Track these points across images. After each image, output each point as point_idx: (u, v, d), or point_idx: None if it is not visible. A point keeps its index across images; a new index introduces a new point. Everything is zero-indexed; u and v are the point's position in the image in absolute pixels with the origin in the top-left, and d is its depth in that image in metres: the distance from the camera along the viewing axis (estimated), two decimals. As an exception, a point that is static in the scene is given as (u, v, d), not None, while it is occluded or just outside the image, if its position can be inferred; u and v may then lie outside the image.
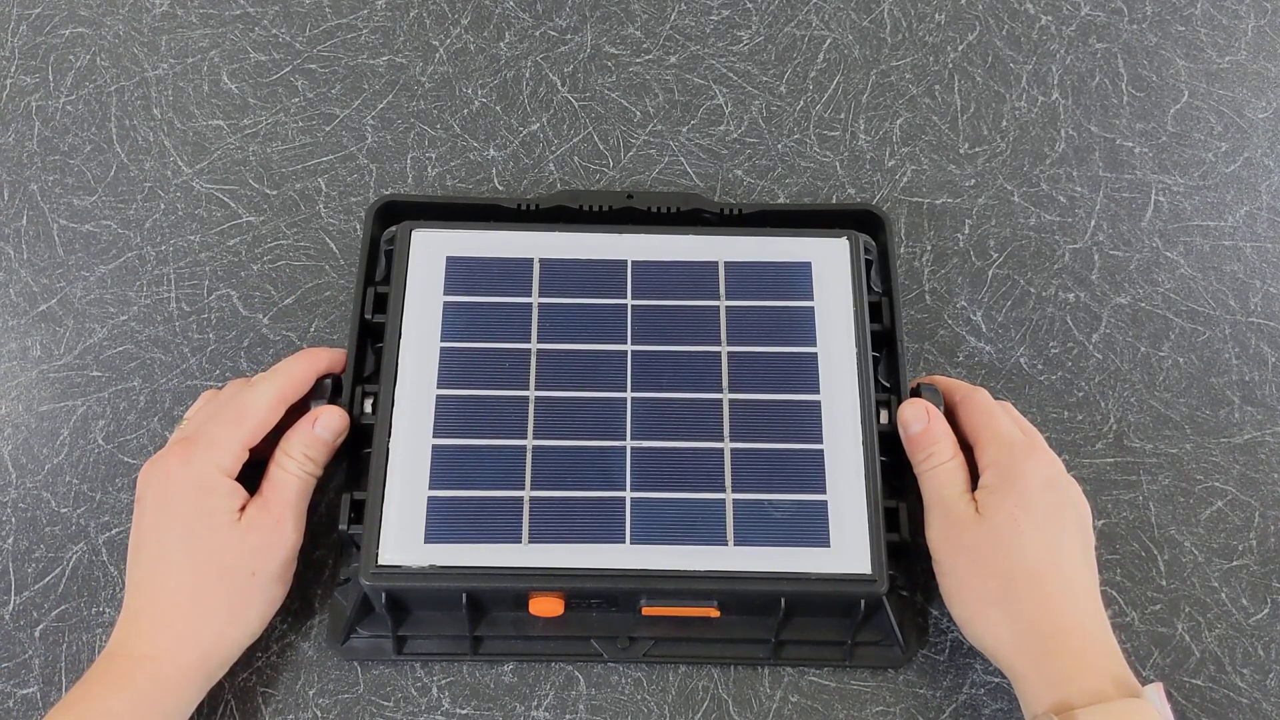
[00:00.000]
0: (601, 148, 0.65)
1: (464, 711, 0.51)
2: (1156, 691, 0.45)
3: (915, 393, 0.53)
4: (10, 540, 0.55)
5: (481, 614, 0.51)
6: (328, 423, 0.51)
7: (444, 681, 0.52)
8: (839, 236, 0.56)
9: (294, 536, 0.50)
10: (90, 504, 0.55)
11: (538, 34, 0.68)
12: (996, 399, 0.58)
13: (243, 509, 0.49)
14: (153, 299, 0.60)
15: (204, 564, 0.48)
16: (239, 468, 0.50)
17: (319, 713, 0.51)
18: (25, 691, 0.51)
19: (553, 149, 0.64)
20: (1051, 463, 0.51)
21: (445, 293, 0.54)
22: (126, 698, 0.46)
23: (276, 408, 0.51)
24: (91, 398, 0.58)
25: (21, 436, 0.57)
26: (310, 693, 0.51)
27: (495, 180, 0.63)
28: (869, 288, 0.56)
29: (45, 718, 0.45)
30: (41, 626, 0.53)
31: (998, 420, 0.51)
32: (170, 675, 0.47)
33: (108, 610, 0.53)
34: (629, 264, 0.55)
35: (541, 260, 0.55)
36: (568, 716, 0.51)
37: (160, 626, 0.47)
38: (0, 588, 0.54)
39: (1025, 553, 0.47)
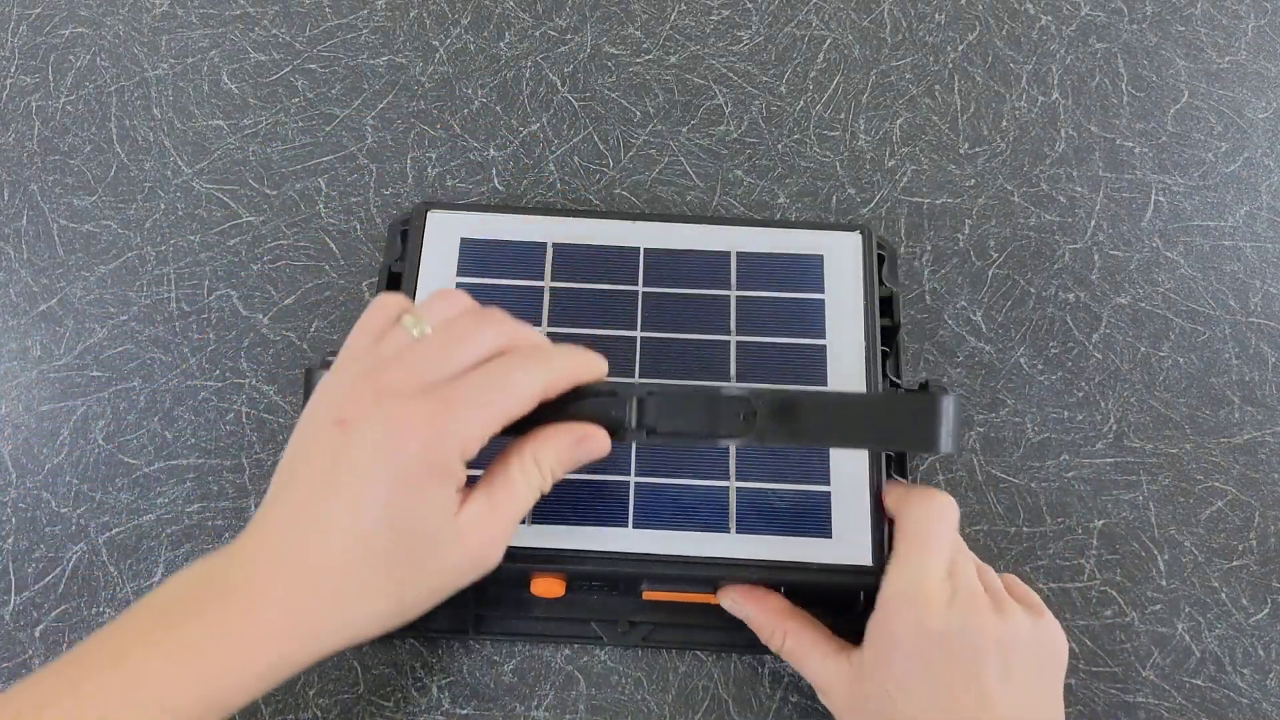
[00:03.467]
0: (601, 148, 0.65)
1: (464, 712, 0.51)
2: None
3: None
4: (10, 540, 0.55)
5: (484, 592, 0.51)
6: (595, 449, 0.43)
7: (444, 682, 0.52)
8: (851, 230, 0.56)
9: (498, 560, 0.42)
10: (90, 504, 0.55)
11: (538, 34, 0.68)
12: (996, 398, 0.58)
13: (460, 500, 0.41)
14: (153, 299, 0.60)
15: (390, 551, 0.39)
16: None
17: (319, 713, 0.51)
18: (25, 691, 0.51)
19: (553, 149, 0.64)
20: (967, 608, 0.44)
21: (458, 274, 0.54)
22: (238, 673, 0.37)
23: (537, 402, 0.42)
24: (91, 398, 0.58)
25: (21, 436, 0.57)
26: (310, 693, 0.51)
27: (495, 180, 0.63)
28: (880, 282, 0.56)
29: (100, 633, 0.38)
30: (41, 626, 0.53)
31: (929, 551, 0.45)
32: (288, 656, 0.38)
33: (108, 610, 0.53)
34: (641, 251, 0.55)
35: (554, 245, 0.55)
36: (568, 716, 0.51)
37: (303, 598, 0.38)
38: (0, 588, 0.54)
39: None
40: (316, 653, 0.39)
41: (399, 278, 0.55)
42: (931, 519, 0.46)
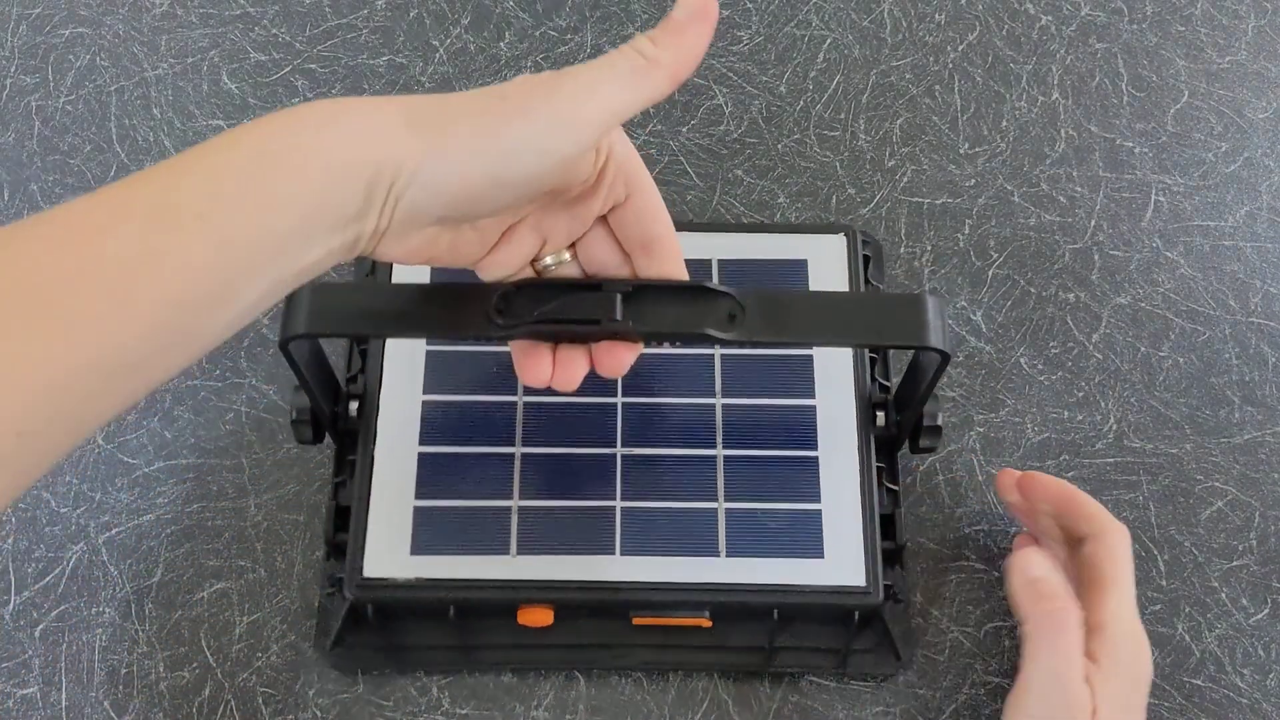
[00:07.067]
0: (601, 148, 0.65)
1: (464, 712, 0.51)
2: None
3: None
4: (10, 540, 0.54)
5: (471, 624, 0.50)
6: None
7: (444, 682, 0.52)
8: (835, 233, 0.55)
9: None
10: (90, 504, 0.55)
11: (538, 34, 0.68)
12: (996, 398, 0.58)
13: None
14: (153, 299, 0.60)
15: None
16: None
17: (319, 713, 0.51)
18: (25, 691, 0.51)
19: (553, 149, 0.64)
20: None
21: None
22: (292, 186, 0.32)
23: None
24: (91, 398, 0.58)
25: (21, 436, 0.57)
26: (310, 693, 0.51)
27: (495, 180, 0.63)
28: (868, 283, 0.55)
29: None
30: (41, 626, 0.53)
31: (1124, 586, 0.47)
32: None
33: (107, 610, 0.53)
34: None
35: None
36: (567, 717, 0.51)
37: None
38: (0, 588, 0.54)
39: None
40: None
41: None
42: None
